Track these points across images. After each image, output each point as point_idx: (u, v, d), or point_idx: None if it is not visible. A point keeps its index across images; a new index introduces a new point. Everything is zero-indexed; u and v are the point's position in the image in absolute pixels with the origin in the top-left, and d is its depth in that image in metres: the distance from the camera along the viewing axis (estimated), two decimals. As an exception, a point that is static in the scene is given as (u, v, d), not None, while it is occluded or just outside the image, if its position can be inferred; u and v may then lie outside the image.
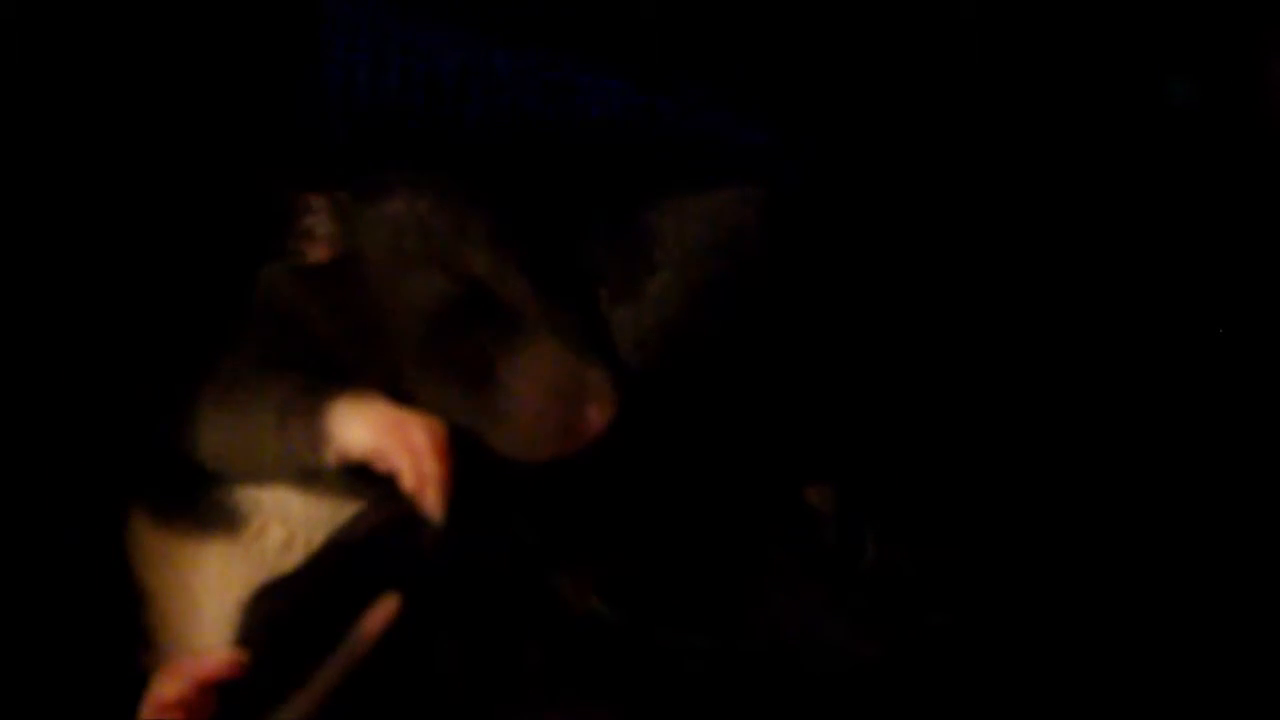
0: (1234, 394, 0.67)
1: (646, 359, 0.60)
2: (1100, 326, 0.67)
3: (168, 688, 0.54)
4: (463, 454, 0.55)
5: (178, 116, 0.62)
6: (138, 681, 0.56)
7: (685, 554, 0.58)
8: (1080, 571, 0.63)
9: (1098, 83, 0.70)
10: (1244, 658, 0.62)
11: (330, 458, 0.55)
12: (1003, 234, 0.67)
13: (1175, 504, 0.65)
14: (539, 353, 0.57)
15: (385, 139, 0.65)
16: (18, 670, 0.57)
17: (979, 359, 0.65)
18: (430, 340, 0.57)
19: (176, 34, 0.62)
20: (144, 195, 0.62)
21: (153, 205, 0.62)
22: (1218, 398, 0.67)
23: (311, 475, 0.57)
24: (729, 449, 0.60)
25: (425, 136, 0.65)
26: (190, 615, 0.59)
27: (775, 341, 0.62)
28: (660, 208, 0.62)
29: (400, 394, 0.57)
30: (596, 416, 0.56)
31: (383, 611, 0.55)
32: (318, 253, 0.60)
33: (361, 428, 0.55)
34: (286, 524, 0.59)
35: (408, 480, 0.54)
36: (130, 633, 0.60)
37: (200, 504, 0.59)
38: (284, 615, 0.56)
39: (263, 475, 0.59)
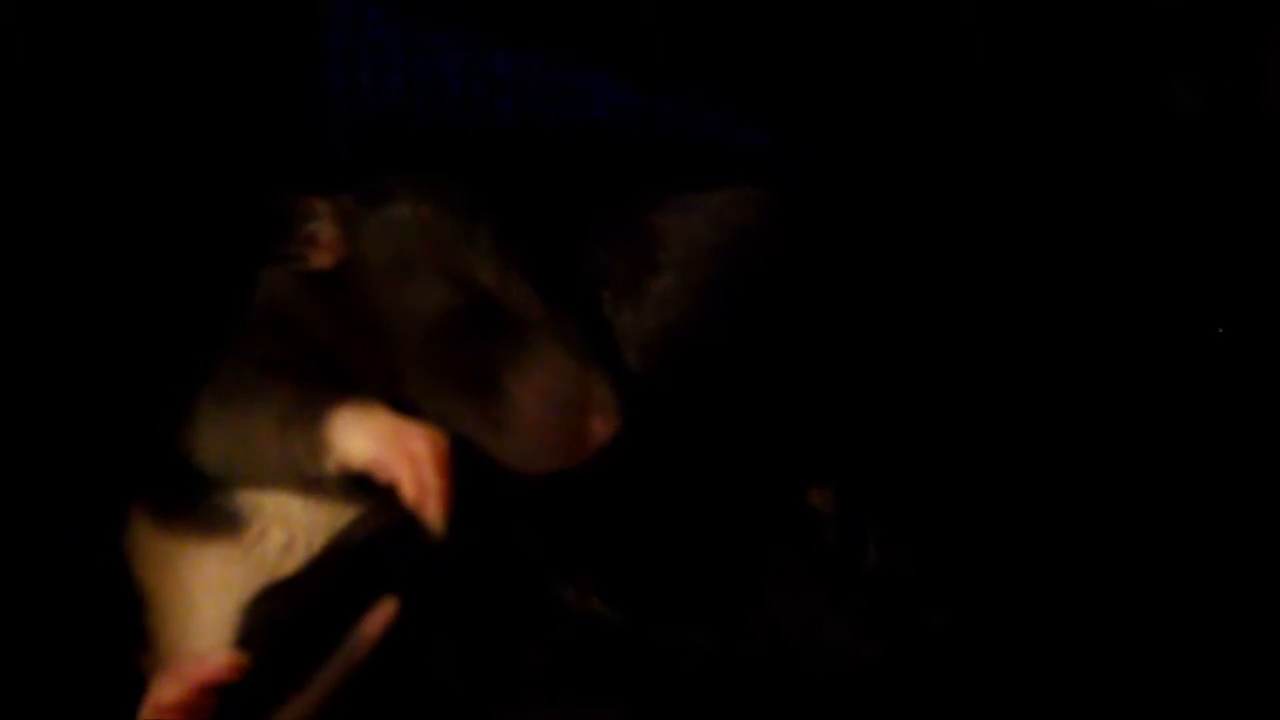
0: (1234, 394, 0.67)
1: (650, 360, 0.60)
2: (1101, 326, 0.67)
3: (167, 690, 0.54)
4: (464, 462, 0.55)
5: (177, 118, 0.62)
6: (136, 683, 0.57)
7: (686, 555, 0.58)
8: (1080, 571, 0.63)
9: (1101, 85, 0.69)
10: (1244, 657, 0.62)
11: (330, 467, 0.55)
12: (1003, 235, 0.67)
13: (1175, 504, 0.65)
14: (544, 364, 0.56)
15: (388, 141, 0.65)
16: (17, 671, 0.57)
17: (980, 359, 0.65)
18: (435, 349, 0.57)
19: (175, 35, 0.62)
20: (144, 197, 0.62)
21: (153, 207, 0.62)
22: (1218, 397, 0.66)
23: (313, 482, 0.57)
24: (731, 450, 0.60)
25: (428, 138, 0.65)
26: (189, 618, 0.59)
27: (777, 342, 0.62)
28: (663, 208, 0.62)
29: (403, 401, 0.57)
30: (601, 429, 0.56)
31: (382, 615, 0.55)
32: (321, 258, 0.60)
33: (362, 438, 0.55)
34: (288, 528, 0.59)
35: (408, 492, 0.54)
36: (129, 634, 0.60)
37: (201, 507, 0.59)
38: (284, 618, 0.56)
39: (263, 481, 0.58)
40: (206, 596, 0.59)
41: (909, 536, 0.60)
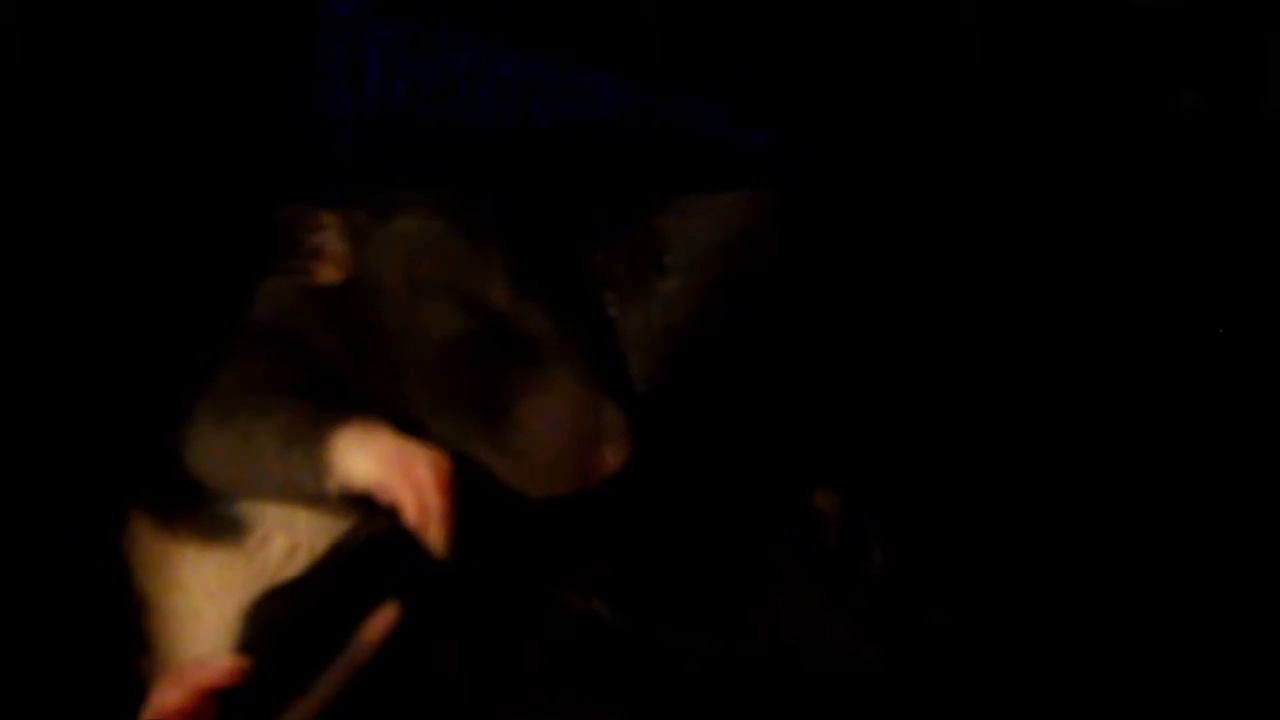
0: (1234, 394, 0.67)
1: (656, 362, 0.59)
2: (1104, 328, 0.67)
3: (169, 695, 0.53)
4: (468, 482, 0.55)
5: (176, 123, 0.62)
6: (136, 688, 0.56)
7: (687, 556, 0.58)
8: (1082, 573, 0.63)
9: (1103, 87, 0.69)
10: (1244, 658, 0.62)
11: (332, 487, 0.55)
12: (1005, 236, 0.67)
13: (1175, 504, 0.65)
14: (557, 391, 0.56)
15: (394, 142, 0.65)
16: (17, 675, 0.57)
17: (983, 361, 0.65)
18: (445, 372, 0.57)
19: (175, 39, 0.61)
20: (143, 200, 0.61)
21: (152, 210, 0.62)
22: (1218, 398, 0.67)
23: (314, 499, 0.57)
24: (735, 451, 0.60)
25: (434, 139, 0.65)
26: (191, 622, 0.59)
27: (782, 343, 0.62)
28: (668, 210, 0.62)
29: (409, 421, 0.56)
30: (612, 457, 0.56)
31: (384, 619, 0.54)
32: (329, 272, 0.59)
33: (365, 459, 0.54)
34: (291, 533, 0.59)
35: (410, 515, 0.53)
36: (129, 639, 0.60)
37: (204, 512, 0.59)
38: (286, 622, 0.56)
39: (264, 497, 0.58)
40: (208, 601, 0.58)
41: (912, 539, 0.60)
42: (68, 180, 0.59)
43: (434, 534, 0.53)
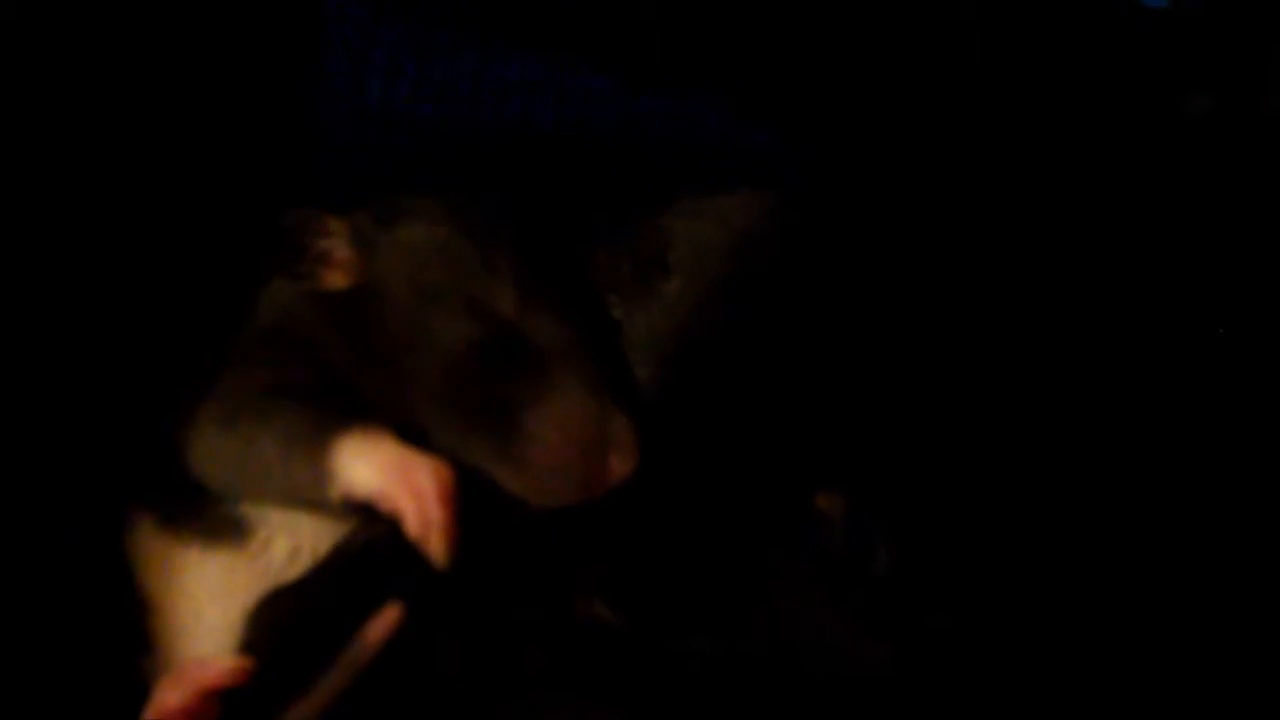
0: (1234, 394, 0.66)
1: (661, 362, 0.59)
2: (1106, 328, 0.67)
3: (171, 695, 0.53)
4: (470, 491, 0.54)
5: (178, 124, 0.62)
6: (139, 688, 0.56)
7: (690, 558, 0.58)
8: (1085, 573, 0.63)
9: (1108, 90, 0.69)
10: (1245, 658, 0.62)
11: (334, 494, 0.55)
12: (1008, 238, 0.67)
13: (1178, 504, 0.64)
14: (565, 401, 0.56)
15: (397, 145, 0.65)
16: (18, 675, 0.57)
17: (986, 361, 0.65)
18: (453, 381, 0.56)
19: (175, 41, 0.62)
20: (145, 201, 0.62)
21: (154, 210, 0.62)
22: (1219, 398, 0.66)
23: (315, 505, 0.56)
24: (739, 452, 0.60)
25: (437, 141, 0.65)
26: (193, 623, 0.59)
27: (786, 343, 0.61)
28: (670, 211, 0.62)
29: (414, 428, 0.56)
30: (619, 467, 0.55)
31: (386, 620, 0.54)
32: (336, 278, 0.59)
33: (367, 469, 0.54)
34: (294, 535, 0.58)
35: (411, 525, 0.53)
36: (131, 639, 0.60)
37: (207, 514, 0.59)
38: (289, 623, 0.56)
39: (266, 501, 0.58)
40: (210, 602, 0.58)
41: (916, 539, 0.60)
42: (70, 181, 0.60)
43: (435, 545, 0.53)
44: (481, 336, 0.57)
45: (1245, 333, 0.67)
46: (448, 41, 0.64)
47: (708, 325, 0.60)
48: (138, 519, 0.60)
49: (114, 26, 0.60)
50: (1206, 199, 0.68)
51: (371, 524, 0.57)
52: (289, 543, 0.58)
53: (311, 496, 0.56)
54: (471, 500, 0.54)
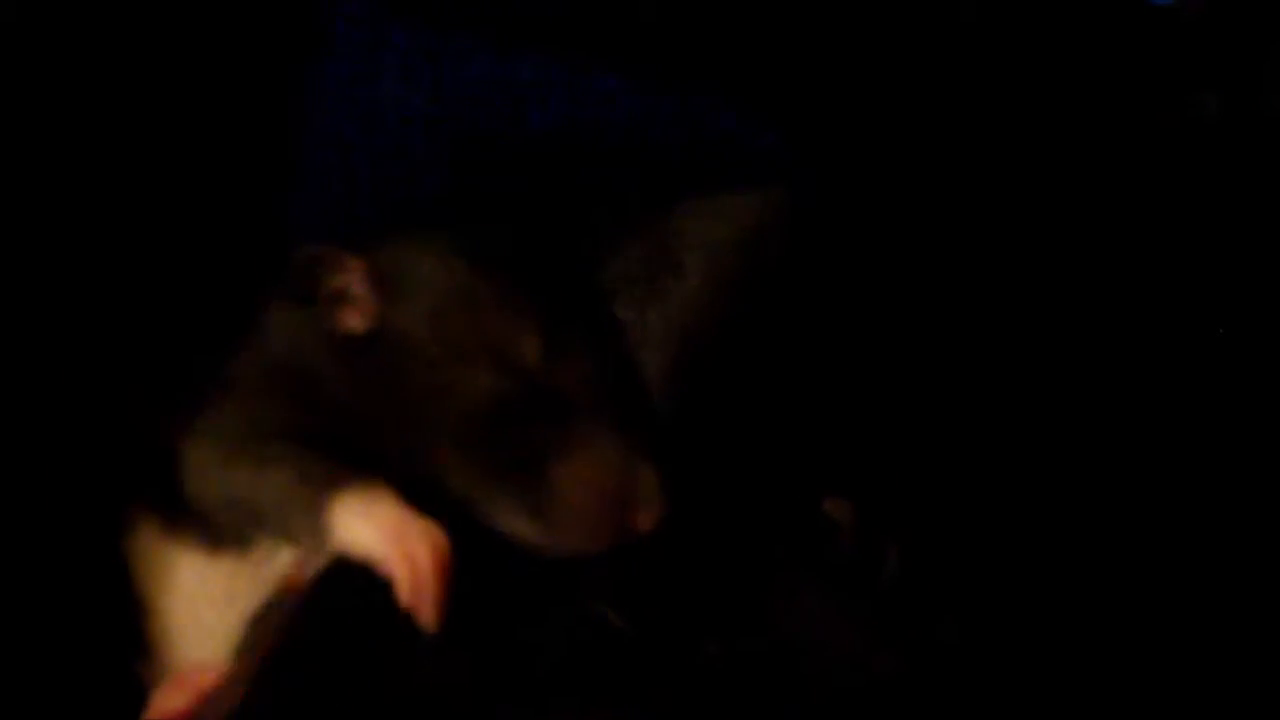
0: (1235, 394, 0.66)
1: (672, 362, 0.59)
2: (1115, 331, 0.67)
3: (170, 699, 0.53)
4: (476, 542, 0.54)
5: (181, 128, 0.62)
6: (137, 693, 0.56)
7: (699, 562, 0.58)
8: (1094, 580, 0.63)
9: (1116, 91, 0.69)
10: (1255, 669, 0.61)
11: (329, 549, 0.54)
12: (1017, 239, 0.67)
13: (1185, 512, 0.64)
14: (590, 453, 0.55)
15: (410, 149, 0.64)
16: (18, 680, 0.57)
17: (996, 365, 0.65)
18: (474, 432, 0.55)
19: (183, 45, 0.62)
20: (149, 202, 0.61)
21: (159, 212, 0.62)
22: (1219, 398, 0.66)
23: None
24: (750, 455, 0.60)
25: (450, 145, 0.64)
26: (193, 628, 0.58)
27: (796, 344, 0.61)
28: (681, 210, 0.61)
29: (427, 474, 0.55)
30: (644, 521, 0.54)
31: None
32: (352, 319, 0.57)
33: (363, 530, 0.52)
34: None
35: (403, 593, 0.52)
36: (131, 644, 0.59)
37: (210, 520, 0.58)
38: (290, 630, 0.55)
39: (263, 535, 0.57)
40: (210, 607, 0.58)
41: (926, 545, 0.60)
42: (72, 180, 0.59)
43: (425, 614, 0.52)
44: (504, 388, 0.55)
45: (1246, 333, 0.67)
46: (459, 45, 0.64)
47: (717, 324, 0.60)
48: (138, 522, 0.60)
49: (116, 34, 0.60)
50: (1213, 198, 0.68)
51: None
52: (293, 551, 0.58)
53: (306, 545, 0.55)
54: (478, 554, 0.53)
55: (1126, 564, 0.63)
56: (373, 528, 0.52)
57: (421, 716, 0.53)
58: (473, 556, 0.53)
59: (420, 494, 0.54)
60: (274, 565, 0.58)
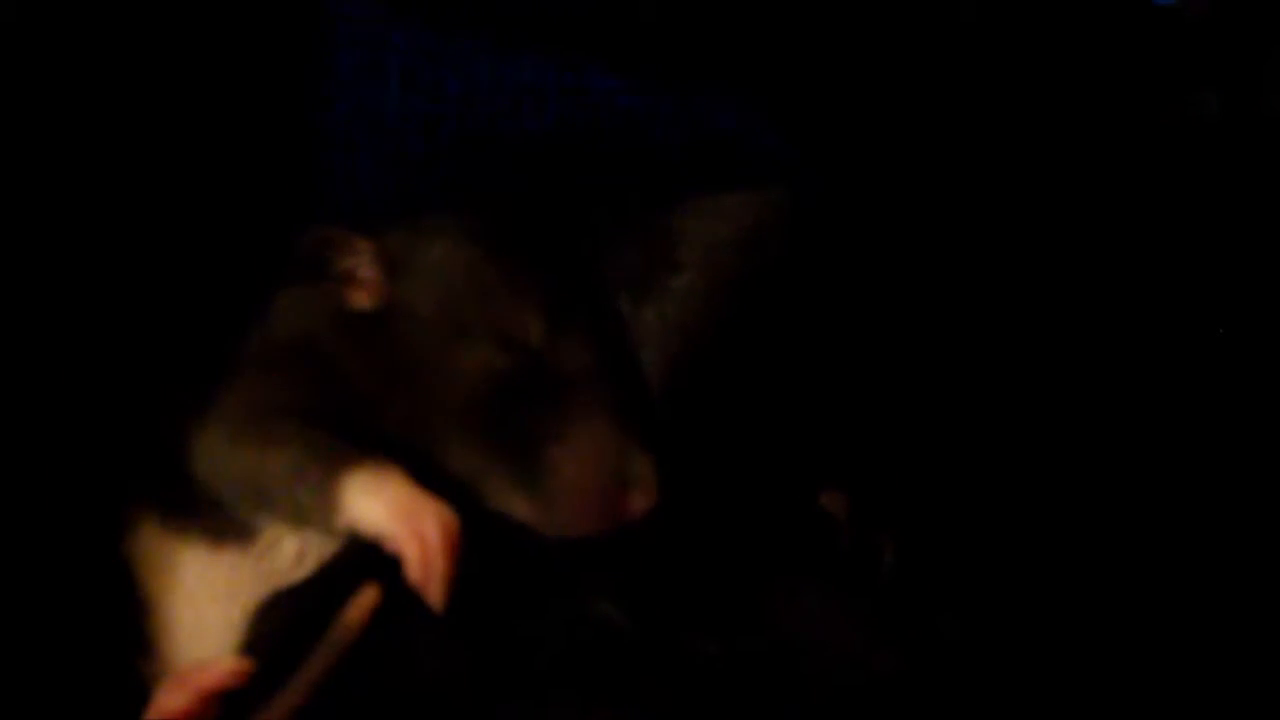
0: (1235, 394, 0.66)
1: (669, 358, 0.59)
2: (1116, 331, 0.67)
3: (172, 698, 0.53)
4: (480, 523, 0.54)
5: (186, 128, 0.62)
6: (139, 690, 0.56)
7: (699, 559, 0.58)
8: (1092, 575, 0.63)
9: (1117, 93, 0.69)
10: (1254, 665, 0.61)
11: (339, 526, 0.54)
12: (1014, 236, 0.67)
13: (1184, 509, 0.64)
14: (588, 435, 0.55)
15: (414, 151, 0.65)
16: (19, 677, 0.57)
17: (993, 361, 0.65)
18: (477, 409, 0.56)
19: (187, 46, 0.62)
20: (152, 200, 0.62)
21: (162, 210, 0.62)
22: (1219, 398, 0.66)
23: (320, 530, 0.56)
24: (747, 450, 0.60)
25: (453, 146, 0.65)
26: (194, 624, 0.58)
27: (794, 341, 0.61)
28: (681, 209, 0.62)
29: (429, 452, 0.56)
30: (638, 504, 0.55)
31: (365, 601, 0.54)
32: (361, 298, 0.59)
33: (375, 507, 0.53)
34: (300, 536, 0.58)
35: (412, 571, 0.52)
36: (132, 641, 0.59)
37: (213, 513, 0.58)
38: (292, 625, 0.55)
39: (270, 516, 0.58)
40: (212, 603, 0.58)
41: (924, 542, 0.60)
42: (79, 178, 0.60)
43: (433, 593, 0.52)
44: (507, 366, 0.56)
45: (1247, 332, 0.67)
46: (460, 47, 0.64)
47: (715, 321, 0.60)
48: (139, 519, 0.60)
49: (123, 35, 0.60)
50: (1214, 197, 0.68)
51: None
52: (296, 543, 0.58)
53: (315, 524, 0.55)
54: (479, 535, 0.54)
55: (1125, 559, 0.63)
56: (383, 505, 0.53)
57: (422, 713, 0.54)
58: (476, 541, 0.53)
59: (424, 475, 0.54)
60: (276, 558, 0.58)
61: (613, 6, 0.65)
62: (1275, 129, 0.69)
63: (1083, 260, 0.67)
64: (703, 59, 0.66)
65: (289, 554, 0.58)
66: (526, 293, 0.57)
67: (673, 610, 0.56)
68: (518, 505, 0.55)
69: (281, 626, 0.56)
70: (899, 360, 0.64)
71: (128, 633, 0.59)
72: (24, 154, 0.58)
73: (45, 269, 0.59)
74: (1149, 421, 0.65)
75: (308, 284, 0.59)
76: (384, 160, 0.66)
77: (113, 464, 0.60)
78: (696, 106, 0.65)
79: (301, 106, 0.64)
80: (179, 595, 0.59)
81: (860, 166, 0.66)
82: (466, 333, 0.57)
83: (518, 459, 0.55)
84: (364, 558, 0.56)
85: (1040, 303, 0.67)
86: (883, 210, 0.66)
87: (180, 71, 0.63)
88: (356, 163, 0.66)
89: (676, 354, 0.59)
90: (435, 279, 0.58)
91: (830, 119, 0.66)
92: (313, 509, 0.55)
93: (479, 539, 0.53)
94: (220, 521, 0.58)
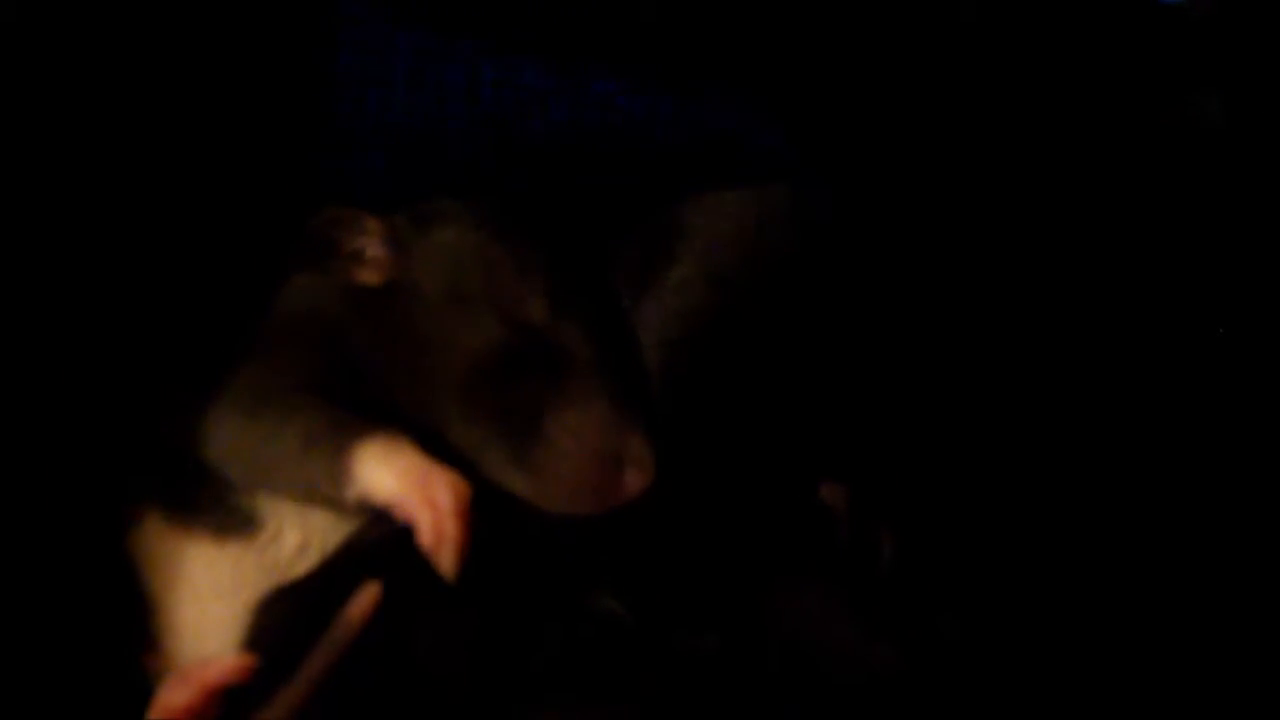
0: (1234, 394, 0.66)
1: (667, 348, 0.60)
2: (1114, 327, 0.67)
3: (176, 694, 0.53)
4: (485, 498, 0.54)
5: (194, 125, 0.62)
6: (143, 686, 0.56)
7: (697, 552, 0.58)
8: (1092, 573, 0.63)
9: (1120, 95, 0.69)
10: (1252, 661, 0.61)
11: (351, 496, 0.55)
12: (1013, 234, 0.67)
13: (1183, 507, 0.64)
14: (587, 414, 0.56)
15: (419, 152, 0.65)
16: (23, 672, 0.57)
17: (995, 358, 0.65)
18: (478, 384, 0.57)
19: (188, 44, 0.62)
20: (157, 195, 0.62)
21: (168, 205, 0.62)
22: (1219, 398, 0.66)
23: (328, 502, 0.56)
24: (746, 443, 0.60)
25: (457, 148, 0.65)
26: (199, 619, 0.58)
27: (793, 333, 0.61)
28: (685, 205, 0.62)
29: (433, 427, 0.56)
30: (633, 482, 0.55)
31: (366, 599, 0.54)
32: (369, 276, 0.59)
33: (387, 475, 0.54)
34: (303, 529, 0.58)
35: (425, 537, 0.53)
36: (136, 636, 0.59)
37: (216, 507, 0.59)
38: (295, 619, 0.56)
39: (281, 493, 0.58)
40: (216, 598, 0.58)
41: (922, 535, 0.60)
42: (86, 171, 0.60)
43: (445, 559, 0.53)
44: (508, 340, 0.57)
45: (1248, 332, 0.67)
46: (463, 49, 0.65)
47: (713, 314, 0.60)
48: (143, 516, 0.60)
49: (129, 31, 0.60)
50: (1217, 197, 0.68)
51: (380, 522, 0.57)
52: (298, 536, 0.58)
53: (328, 494, 0.56)
54: (485, 509, 0.54)
55: (1124, 556, 0.63)
56: (395, 473, 0.54)
57: (422, 708, 0.54)
58: (483, 517, 0.54)
59: (429, 451, 0.55)
60: (278, 551, 0.59)
61: (614, 8, 0.65)
62: (1278, 129, 0.69)
63: (1083, 257, 0.67)
64: (703, 60, 0.66)
65: (291, 546, 0.59)
66: (530, 274, 0.58)
67: (672, 604, 0.56)
68: (516, 480, 0.56)
69: (283, 622, 0.56)
70: (899, 354, 0.64)
71: (132, 629, 0.59)
72: (47, 148, 0.59)
73: (52, 265, 0.60)
74: (1149, 419, 0.65)
75: (318, 267, 0.60)
76: (389, 161, 0.66)
77: (117, 460, 0.60)
78: (697, 107, 0.65)
79: (307, 107, 0.64)
80: (183, 591, 0.59)
81: (860, 166, 0.66)
82: (470, 309, 0.58)
83: (515, 432, 0.56)
84: (365, 554, 0.57)
85: (1041, 299, 0.67)
86: (883, 208, 0.66)
87: (189, 73, 0.63)
88: (362, 163, 0.66)
89: (675, 344, 0.60)
90: (442, 258, 0.59)
91: (831, 119, 0.66)
92: (325, 478, 0.55)
93: (485, 518, 0.54)
94: (224, 515, 0.59)
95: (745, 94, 0.66)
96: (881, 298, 0.64)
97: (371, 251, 0.60)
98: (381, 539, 0.57)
